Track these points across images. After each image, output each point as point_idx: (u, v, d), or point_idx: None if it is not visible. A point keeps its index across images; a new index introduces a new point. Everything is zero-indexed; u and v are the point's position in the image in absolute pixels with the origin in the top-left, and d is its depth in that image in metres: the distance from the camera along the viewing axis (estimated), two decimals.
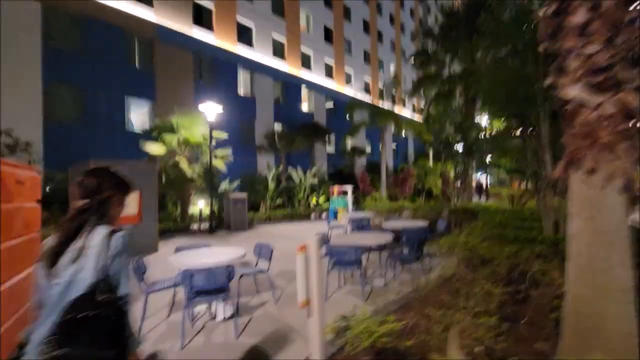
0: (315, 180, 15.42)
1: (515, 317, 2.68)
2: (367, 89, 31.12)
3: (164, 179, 10.97)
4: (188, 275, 3.42)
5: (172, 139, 11.35)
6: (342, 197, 13.57)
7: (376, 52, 33.02)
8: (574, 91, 2.12)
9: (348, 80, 29.07)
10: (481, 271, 3.30)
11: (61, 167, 9.95)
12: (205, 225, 11.55)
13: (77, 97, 13.31)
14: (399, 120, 17.53)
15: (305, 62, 24.31)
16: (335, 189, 13.90)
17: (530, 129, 5.38)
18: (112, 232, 1.36)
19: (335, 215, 13.42)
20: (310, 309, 2.37)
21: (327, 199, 16.10)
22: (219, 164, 11.98)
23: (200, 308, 4.13)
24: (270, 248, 4.65)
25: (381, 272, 5.71)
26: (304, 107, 24.29)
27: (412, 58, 13.41)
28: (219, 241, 9.74)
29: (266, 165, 15.16)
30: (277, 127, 20.71)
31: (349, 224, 9.14)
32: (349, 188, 13.51)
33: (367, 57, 31.64)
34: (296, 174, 15.47)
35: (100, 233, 1.34)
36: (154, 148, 11.23)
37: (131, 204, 7.71)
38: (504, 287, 2.94)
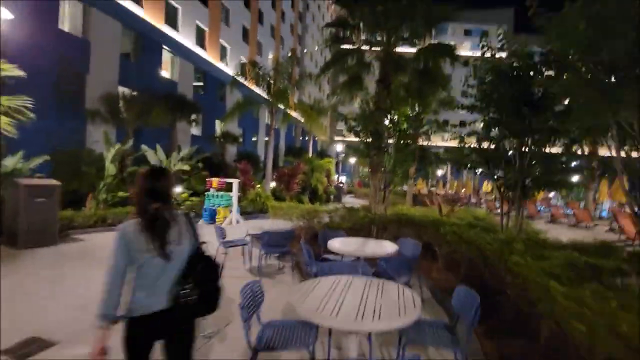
0: (186, 167, 10.99)
1: None
2: (243, 71, 27.40)
3: None
4: None
5: None
6: (224, 192, 10.05)
7: (256, 33, 29.74)
8: None
9: (223, 54, 24.79)
10: None
11: None
12: None
13: None
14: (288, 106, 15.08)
15: (172, 18, 18.92)
16: (215, 181, 10.24)
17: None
18: (186, 214, 1.92)
19: (212, 217, 9.82)
20: None
21: (195, 193, 12.09)
22: (3, 123, 6.58)
23: None
24: None
25: None
26: (166, 73, 18.84)
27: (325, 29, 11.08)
28: None
29: (103, 137, 9.63)
30: (125, 90, 14.86)
31: (253, 240, 6.09)
32: (234, 181, 10.04)
33: (246, 34, 27.97)
34: (154, 154, 10.60)
35: (181, 216, 1.86)
36: None
37: None
38: None
